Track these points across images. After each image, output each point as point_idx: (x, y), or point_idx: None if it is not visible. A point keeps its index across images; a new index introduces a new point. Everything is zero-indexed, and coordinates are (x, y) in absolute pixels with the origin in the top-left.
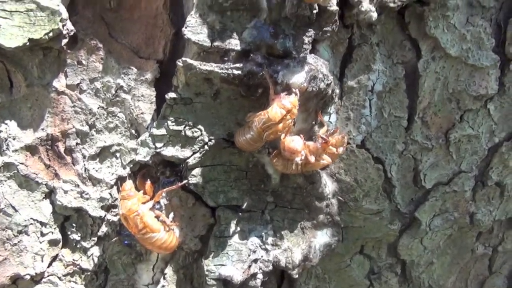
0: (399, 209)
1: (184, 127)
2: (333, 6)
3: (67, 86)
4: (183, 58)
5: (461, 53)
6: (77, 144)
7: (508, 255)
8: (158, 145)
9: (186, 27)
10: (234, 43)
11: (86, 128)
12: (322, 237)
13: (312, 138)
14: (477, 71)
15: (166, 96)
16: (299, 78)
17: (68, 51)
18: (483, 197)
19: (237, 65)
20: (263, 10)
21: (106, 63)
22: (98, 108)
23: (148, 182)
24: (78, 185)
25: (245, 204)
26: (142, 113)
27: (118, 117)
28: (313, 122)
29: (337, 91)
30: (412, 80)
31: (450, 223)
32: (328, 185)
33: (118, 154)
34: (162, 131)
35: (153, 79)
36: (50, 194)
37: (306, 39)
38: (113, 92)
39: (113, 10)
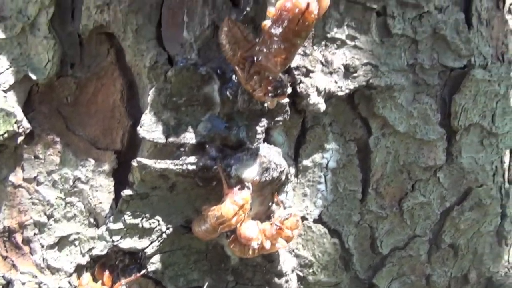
0: (358, 276)
1: (141, 220)
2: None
3: (24, 180)
4: (138, 158)
5: (409, 129)
6: (35, 234)
7: None
8: (115, 238)
9: (141, 126)
10: (189, 137)
11: (44, 219)
12: None
13: (270, 216)
14: (425, 144)
15: (122, 193)
16: (251, 172)
17: (25, 146)
18: (438, 259)
19: (191, 160)
20: (216, 104)
21: (64, 156)
22: (56, 198)
23: (107, 273)
24: (36, 276)
25: (205, 285)
26: (100, 203)
27: (76, 206)
28: (270, 204)
29: (293, 170)
30: (365, 155)
31: (407, 286)
32: (287, 261)
33: (77, 243)
34: (119, 225)
35: (111, 169)
36: (7, 285)
37: (259, 129)
38: (71, 183)
39: (70, 105)
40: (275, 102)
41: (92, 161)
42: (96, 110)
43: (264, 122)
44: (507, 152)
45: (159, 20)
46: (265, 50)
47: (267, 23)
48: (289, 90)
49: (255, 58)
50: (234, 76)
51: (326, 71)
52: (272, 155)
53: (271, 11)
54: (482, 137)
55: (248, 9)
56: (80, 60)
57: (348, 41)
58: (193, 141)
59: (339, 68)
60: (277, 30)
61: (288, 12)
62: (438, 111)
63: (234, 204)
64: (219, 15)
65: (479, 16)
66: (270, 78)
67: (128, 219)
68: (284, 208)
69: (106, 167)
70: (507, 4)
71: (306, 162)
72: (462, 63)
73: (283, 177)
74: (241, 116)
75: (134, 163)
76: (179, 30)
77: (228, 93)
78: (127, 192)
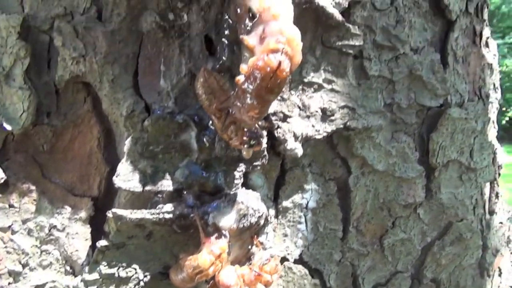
0: None
1: (118, 269)
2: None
3: None
4: (113, 209)
5: (388, 168)
6: (9, 283)
7: None
8: None
9: (117, 176)
10: (166, 184)
11: (19, 268)
12: None
13: (250, 258)
14: (404, 182)
15: (97, 243)
16: (228, 220)
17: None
18: None
19: (168, 208)
20: (194, 151)
21: (39, 204)
22: (31, 247)
23: None
24: None
25: None
26: (76, 251)
27: (52, 254)
28: (250, 247)
29: (273, 212)
30: (345, 194)
31: None
32: None
33: None
34: (95, 276)
35: (88, 216)
36: None
37: (237, 174)
38: (47, 231)
39: (46, 152)
40: (251, 152)
41: (69, 209)
42: (73, 157)
43: (242, 167)
44: (487, 184)
45: (136, 69)
46: (239, 104)
47: (240, 78)
48: (265, 140)
49: (230, 110)
50: (211, 122)
51: (303, 115)
52: (250, 201)
53: (244, 68)
54: (461, 173)
55: (224, 58)
56: (57, 108)
57: (325, 85)
58: (171, 188)
59: (317, 111)
60: (250, 87)
61: (260, 70)
62: (416, 149)
63: (211, 254)
64: (195, 64)
65: (455, 55)
66: (245, 129)
67: (104, 269)
68: (264, 249)
69: (82, 214)
70: (484, 38)
71: (286, 203)
72: (439, 102)
73: (262, 222)
74: (219, 161)
75: (110, 214)
76: (156, 79)
77: (205, 140)
78: (102, 243)
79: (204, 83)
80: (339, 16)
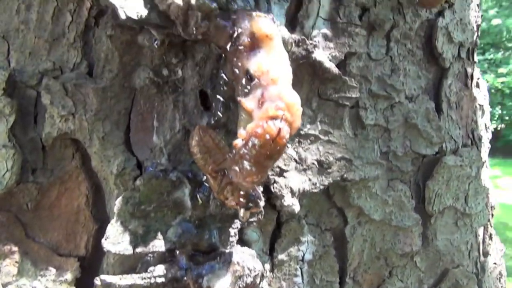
0: None
1: None
2: None
3: None
4: (102, 276)
5: (384, 217)
6: None
7: None
8: None
9: (106, 239)
10: (158, 245)
11: None
12: None
13: None
14: (401, 230)
15: None
16: (224, 283)
17: None
18: None
19: (160, 272)
20: (187, 208)
21: (22, 266)
22: None
23: None
24: None
25: None
26: None
27: None
28: None
29: (268, 266)
30: (341, 244)
31: None
32: None
33: None
34: None
35: (74, 278)
36: None
37: (232, 231)
38: None
39: (31, 211)
40: (248, 214)
41: (53, 270)
42: (59, 215)
43: (237, 223)
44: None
45: (128, 125)
46: (236, 169)
47: (238, 143)
48: (262, 202)
49: (227, 173)
50: (205, 178)
51: (300, 168)
52: (246, 260)
53: (242, 133)
54: (456, 219)
55: (219, 114)
56: (43, 164)
57: (321, 136)
58: (163, 248)
59: (313, 164)
60: (248, 153)
61: (259, 137)
62: (413, 197)
63: None
64: (190, 119)
65: (449, 101)
66: (242, 192)
67: None
68: None
69: (68, 276)
70: (474, 80)
71: (282, 256)
72: (434, 150)
73: (258, 280)
74: (213, 219)
75: (98, 282)
76: (149, 135)
77: (199, 197)
78: None
79: (199, 142)
80: (335, 70)
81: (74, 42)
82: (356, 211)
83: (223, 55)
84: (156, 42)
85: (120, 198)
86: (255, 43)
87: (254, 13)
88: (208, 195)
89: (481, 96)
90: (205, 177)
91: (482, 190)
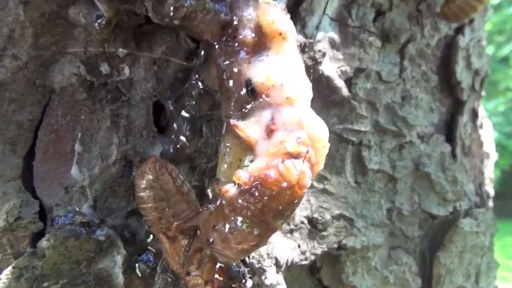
0: None
1: None
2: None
3: None
4: None
5: None
6: None
7: None
8: None
9: None
10: None
11: None
12: None
13: None
14: None
15: None
16: None
17: None
18: None
19: None
20: (118, 286)
21: None
22: None
23: None
24: None
25: None
26: None
27: None
28: None
29: None
30: None
31: None
32: None
33: None
34: None
35: None
36: None
37: None
38: None
39: None
40: None
41: None
42: None
43: None
44: None
45: (32, 147)
46: (224, 230)
47: (229, 190)
48: (250, 283)
49: (207, 239)
50: (151, 237)
51: (285, 229)
52: None
53: (242, 177)
54: None
55: (183, 140)
56: None
57: (315, 183)
58: None
59: (303, 223)
60: (249, 206)
61: (270, 184)
62: (418, 273)
63: None
64: (135, 146)
65: (463, 145)
66: (221, 265)
67: None
68: None
69: None
70: (479, 118)
71: None
72: (448, 209)
73: None
74: None
75: None
76: (65, 165)
77: (140, 269)
78: None
79: (152, 183)
80: (345, 91)
81: None
82: None
83: (205, 53)
84: (99, 21)
85: (8, 269)
86: (263, 42)
87: None
88: (154, 266)
89: (488, 140)
90: (151, 237)
91: (494, 265)
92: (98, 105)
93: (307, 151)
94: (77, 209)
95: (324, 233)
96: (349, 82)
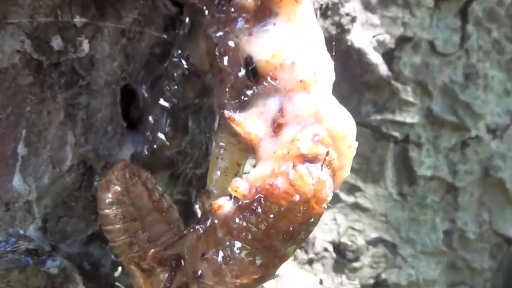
0: None
1: None
2: None
3: None
4: None
5: None
6: None
7: None
8: None
9: None
10: None
11: None
12: None
13: None
14: None
15: None
16: None
17: None
18: None
19: None
20: None
21: None
22: None
23: None
24: None
25: None
26: None
27: None
28: None
29: None
30: None
31: None
32: None
33: None
34: None
35: None
36: None
37: None
38: None
39: None
40: None
41: None
42: None
43: None
44: None
45: None
46: (216, 259)
47: (224, 205)
48: None
49: (194, 271)
50: (119, 270)
51: (302, 259)
52: None
53: (240, 188)
54: None
55: (161, 136)
56: None
57: (342, 196)
58: None
59: (326, 250)
60: (249, 227)
61: (279, 198)
62: None
63: None
64: (97, 146)
65: None
66: None
67: None
68: None
69: None
70: None
71: None
72: None
73: None
74: None
75: None
76: (4, 173)
77: None
78: None
79: (119, 196)
80: (384, 69)
81: None
82: None
83: (190, 21)
84: None
85: None
86: (268, 6)
87: None
88: None
89: None
90: (119, 270)
91: None
92: (48, 92)
93: (327, 153)
94: (21, 232)
95: (356, 264)
96: (389, 56)
